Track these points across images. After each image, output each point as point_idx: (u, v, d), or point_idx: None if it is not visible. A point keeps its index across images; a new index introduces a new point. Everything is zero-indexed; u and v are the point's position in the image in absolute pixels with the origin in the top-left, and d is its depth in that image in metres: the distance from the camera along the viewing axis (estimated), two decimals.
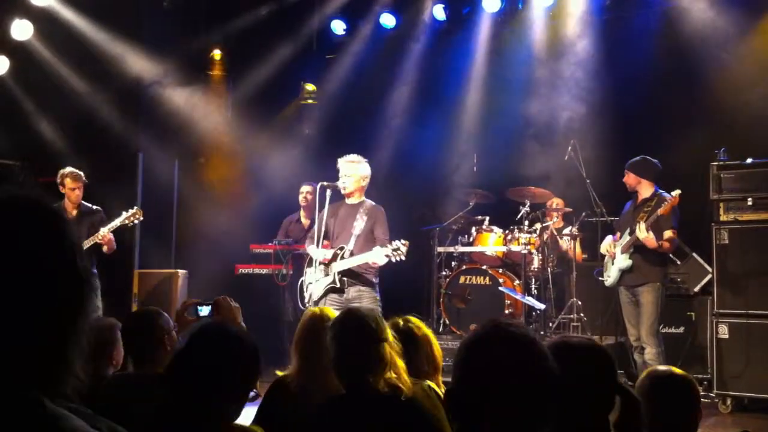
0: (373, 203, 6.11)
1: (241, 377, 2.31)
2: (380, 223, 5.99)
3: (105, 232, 6.94)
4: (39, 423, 1.12)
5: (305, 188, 8.42)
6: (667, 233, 6.15)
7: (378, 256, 5.66)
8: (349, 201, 6.11)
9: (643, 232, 6.06)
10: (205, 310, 3.29)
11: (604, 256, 6.69)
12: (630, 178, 6.44)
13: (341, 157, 6.09)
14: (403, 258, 5.62)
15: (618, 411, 2.07)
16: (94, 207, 7.36)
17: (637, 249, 6.24)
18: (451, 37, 9.72)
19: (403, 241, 5.63)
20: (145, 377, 3.20)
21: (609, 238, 6.66)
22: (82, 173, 7.27)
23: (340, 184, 6.02)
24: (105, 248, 6.99)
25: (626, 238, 6.34)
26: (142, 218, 7.14)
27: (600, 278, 6.86)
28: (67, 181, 7.17)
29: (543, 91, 9.08)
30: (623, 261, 6.29)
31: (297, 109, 10.48)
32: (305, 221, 8.46)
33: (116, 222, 7.02)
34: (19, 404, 1.11)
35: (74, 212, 7.18)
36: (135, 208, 7.13)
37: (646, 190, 6.39)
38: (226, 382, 2.27)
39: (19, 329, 1.12)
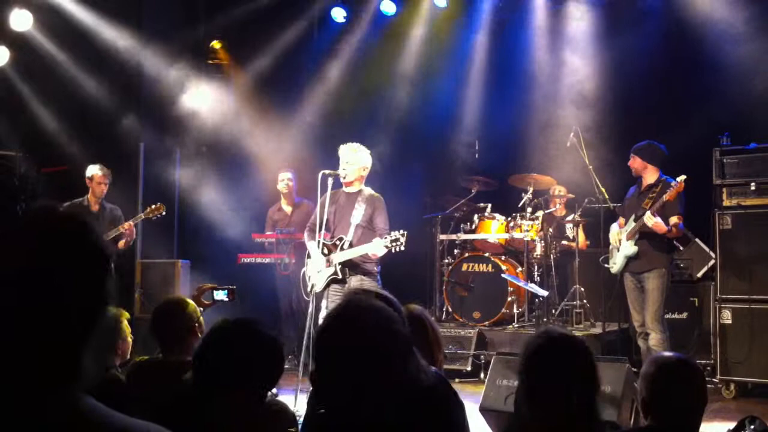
0: (372, 191, 6.05)
1: (255, 374, 2.30)
2: (379, 211, 5.95)
3: (129, 224, 7.16)
4: (79, 418, 1.14)
5: (286, 175, 8.50)
6: (674, 219, 6.12)
7: (377, 248, 5.64)
8: (347, 189, 6.05)
9: (651, 219, 6.02)
10: (221, 294, 3.29)
11: (609, 243, 6.67)
12: (636, 163, 6.39)
13: (343, 145, 6.06)
14: (403, 248, 5.61)
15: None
16: (113, 205, 7.58)
17: (642, 235, 6.21)
18: (452, 24, 9.67)
19: (401, 232, 5.60)
20: (172, 364, 3.23)
21: (615, 227, 6.62)
22: (110, 171, 7.49)
23: (340, 171, 5.98)
24: (122, 242, 7.17)
25: (631, 224, 6.30)
26: (164, 213, 7.29)
27: (606, 265, 6.83)
28: (97, 176, 7.39)
29: (545, 77, 9.04)
30: (629, 247, 6.26)
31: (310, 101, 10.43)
32: (287, 208, 8.51)
33: (140, 216, 7.25)
34: (58, 400, 1.13)
35: (96, 207, 7.43)
36: (158, 203, 7.32)
37: (651, 175, 6.35)
38: (241, 377, 2.27)
39: (52, 330, 1.15)
